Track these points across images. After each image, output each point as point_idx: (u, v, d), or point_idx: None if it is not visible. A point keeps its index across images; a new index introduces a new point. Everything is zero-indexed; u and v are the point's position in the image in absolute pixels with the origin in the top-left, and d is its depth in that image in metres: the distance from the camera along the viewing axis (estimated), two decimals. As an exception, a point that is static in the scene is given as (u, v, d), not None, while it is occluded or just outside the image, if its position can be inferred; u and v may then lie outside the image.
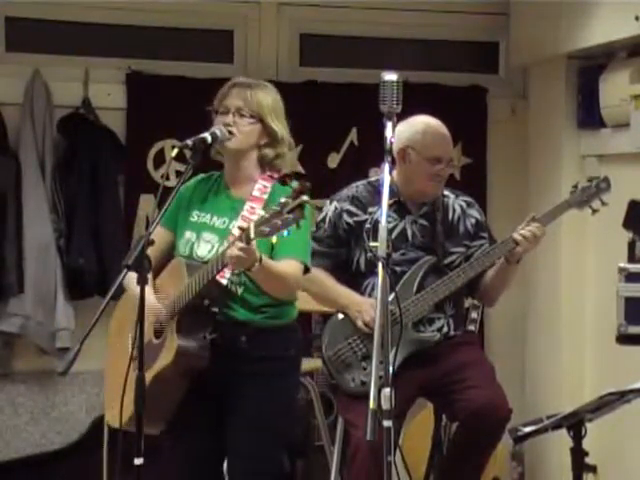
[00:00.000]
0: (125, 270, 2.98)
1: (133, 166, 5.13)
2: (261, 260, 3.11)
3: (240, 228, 3.09)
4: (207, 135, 3.26)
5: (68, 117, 5.02)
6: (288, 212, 2.91)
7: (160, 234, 3.32)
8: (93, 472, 4.80)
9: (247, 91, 3.34)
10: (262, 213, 3.01)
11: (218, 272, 3.19)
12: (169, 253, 3.43)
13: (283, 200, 2.93)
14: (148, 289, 3.25)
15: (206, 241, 3.35)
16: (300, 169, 5.07)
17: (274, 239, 3.14)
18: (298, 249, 3.30)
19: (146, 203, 5.06)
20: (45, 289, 4.86)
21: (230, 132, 3.30)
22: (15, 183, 4.85)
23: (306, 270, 3.35)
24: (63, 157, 5.01)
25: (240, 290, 3.30)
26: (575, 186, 3.93)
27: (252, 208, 3.30)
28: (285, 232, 2.96)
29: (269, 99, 3.38)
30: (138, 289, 2.99)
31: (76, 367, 2.93)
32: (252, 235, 2.99)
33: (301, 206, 2.91)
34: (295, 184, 3.19)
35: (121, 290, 3.32)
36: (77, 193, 4.97)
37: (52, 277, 4.88)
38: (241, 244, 3.02)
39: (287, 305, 3.40)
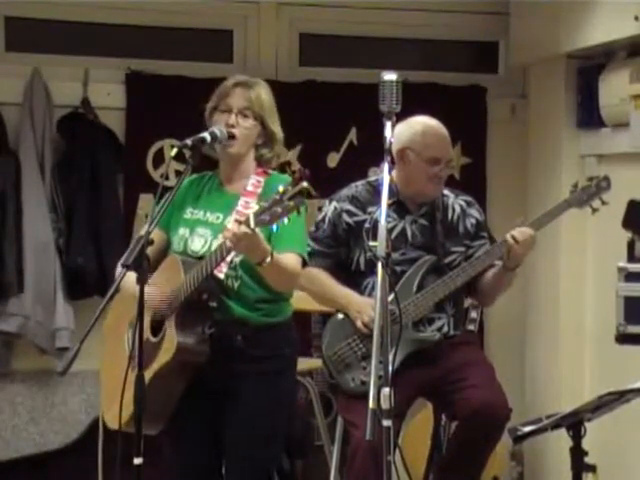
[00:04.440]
0: (124, 270, 2.97)
1: (132, 165, 5.13)
2: (272, 255, 3.11)
3: (238, 221, 3.06)
4: (206, 135, 3.26)
5: (68, 117, 5.02)
6: (289, 199, 2.90)
7: (154, 234, 3.32)
8: (92, 472, 4.80)
9: (250, 91, 3.34)
10: (258, 206, 2.99)
11: (217, 264, 3.18)
12: (163, 252, 3.42)
13: (282, 188, 2.92)
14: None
15: (200, 235, 3.34)
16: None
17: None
18: (296, 242, 3.29)
19: (145, 202, 5.06)
20: (44, 289, 4.86)
21: (232, 133, 3.30)
22: (15, 183, 4.85)
23: (304, 264, 3.34)
24: (63, 157, 5.01)
25: (236, 284, 3.28)
26: (575, 185, 3.91)
27: (246, 203, 3.30)
28: (286, 220, 2.94)
29: (268, 99, 3.38)
30: (136, 288, 2.98)
31: (76, 367, 2.93)
32: (252, 224, 2.97)
33: (301, 192, 2.89)
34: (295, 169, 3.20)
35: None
36: (76, 192, 4.97)
37: (51, 277, 4.87)
38: (245, 228, 3.00)
39: (283, 302, 3.39)
